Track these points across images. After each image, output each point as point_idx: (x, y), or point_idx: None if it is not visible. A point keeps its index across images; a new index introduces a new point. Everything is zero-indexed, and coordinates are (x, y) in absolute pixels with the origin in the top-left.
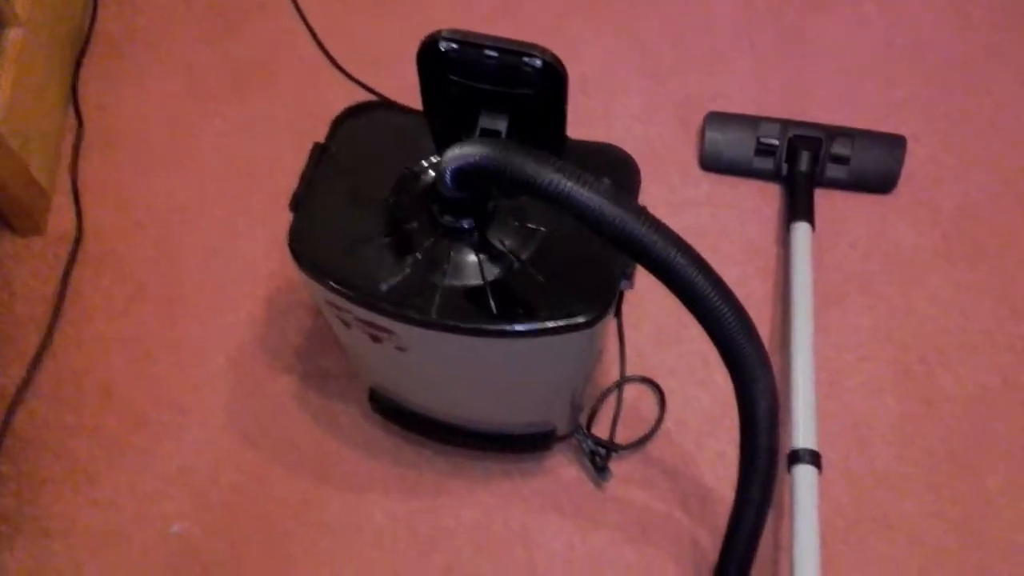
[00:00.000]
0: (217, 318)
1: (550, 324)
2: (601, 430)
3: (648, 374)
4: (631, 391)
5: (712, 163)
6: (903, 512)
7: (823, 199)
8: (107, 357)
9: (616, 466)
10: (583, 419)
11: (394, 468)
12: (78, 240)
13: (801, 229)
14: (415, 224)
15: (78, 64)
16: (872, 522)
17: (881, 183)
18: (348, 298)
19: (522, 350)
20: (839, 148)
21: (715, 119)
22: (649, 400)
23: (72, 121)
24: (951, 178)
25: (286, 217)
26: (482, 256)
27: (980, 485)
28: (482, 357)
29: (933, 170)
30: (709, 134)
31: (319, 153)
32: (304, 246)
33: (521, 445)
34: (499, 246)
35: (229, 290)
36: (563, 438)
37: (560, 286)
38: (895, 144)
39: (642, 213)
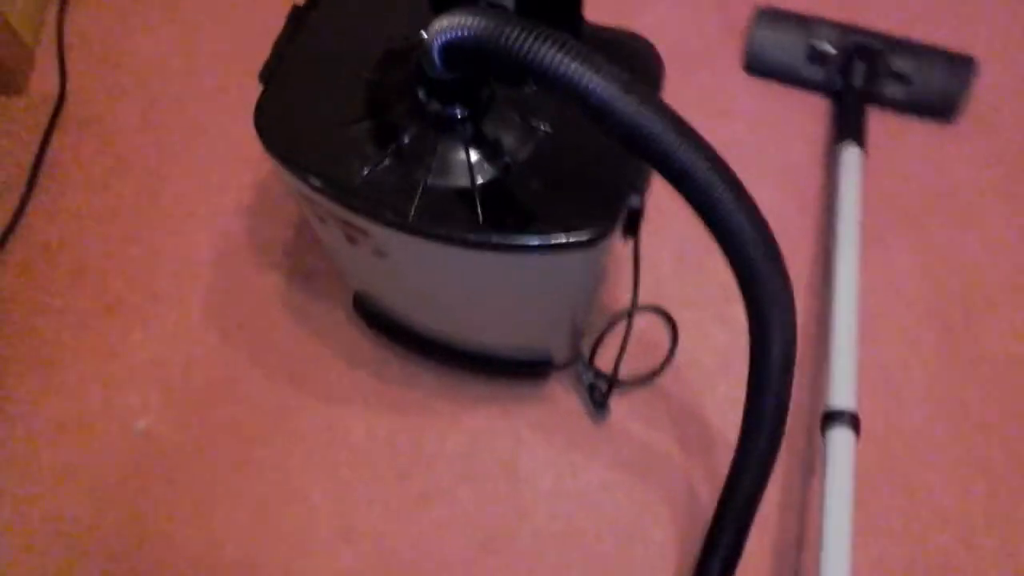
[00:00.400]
0: (202, 202)
1: (545, 240)
2: (605, 362)
3: (662, 304)
4: (641, 321)
5: (757, 66)
6: (927, 483)
7: (876, 120)
8: (82, 233)
9: (617, 402)
10: (585, 347)
11: (377, 382)
12: (60, 102)
13: (851, 152)
14: (399, 109)
15: None
16: (892, 488)
17: (943, 108)
18: (317, 190)
19: (512, 268)
20: (901, 63)
21: (765, 16)
22: (660, 332)
23: None
24: (1021, 110)
25: None
26: (473, 153)
27: (1015, 461)
28: (468, 272)
29: (1001, 99)
30: (757, 32)
31: (297, 18)
32: (272, 124)
33: (514, 371)
34: (493, 143)
35: (216, 172)
36: (561, 367)
37: (561, 196)
38: (962, 65)
39: (660, 105)
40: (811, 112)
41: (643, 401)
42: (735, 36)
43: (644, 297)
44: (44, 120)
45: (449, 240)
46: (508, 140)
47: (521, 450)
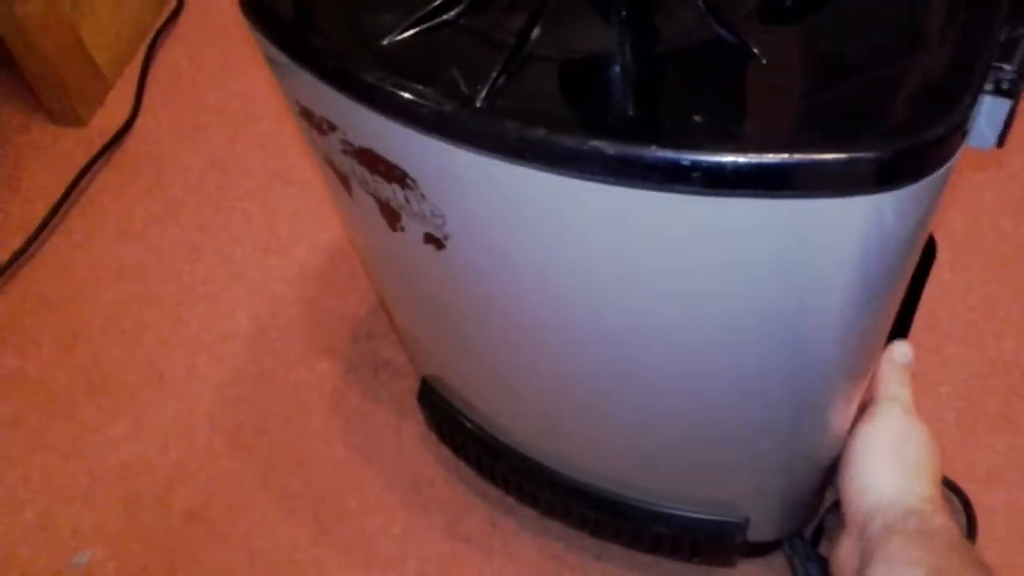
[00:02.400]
0: (255, 264)
1: (793, 157)
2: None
3: (946, 473)
4: None
5: None
6: None
7: None
8: (93, 288)
9: None
10: (806, 526)
11: (446, 541)
12: (119, 136)
13: None
14: None
15: None
16: None
17: None
18: (315, 64)
19: (724, 231)
20: None
21: None
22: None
23: (172, 3)
24: None
25: None
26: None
27: None
28: (620, 256)
29: None
30: None
31: None
32: None
33: (678, 543)
34: None
35: (285, 228)
36: (761, 549)
37: (820, 87)
38: None
39: None
40: None
41: None
42: None
43: None
44: (93, 152)
45: (553, 153)
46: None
47: None
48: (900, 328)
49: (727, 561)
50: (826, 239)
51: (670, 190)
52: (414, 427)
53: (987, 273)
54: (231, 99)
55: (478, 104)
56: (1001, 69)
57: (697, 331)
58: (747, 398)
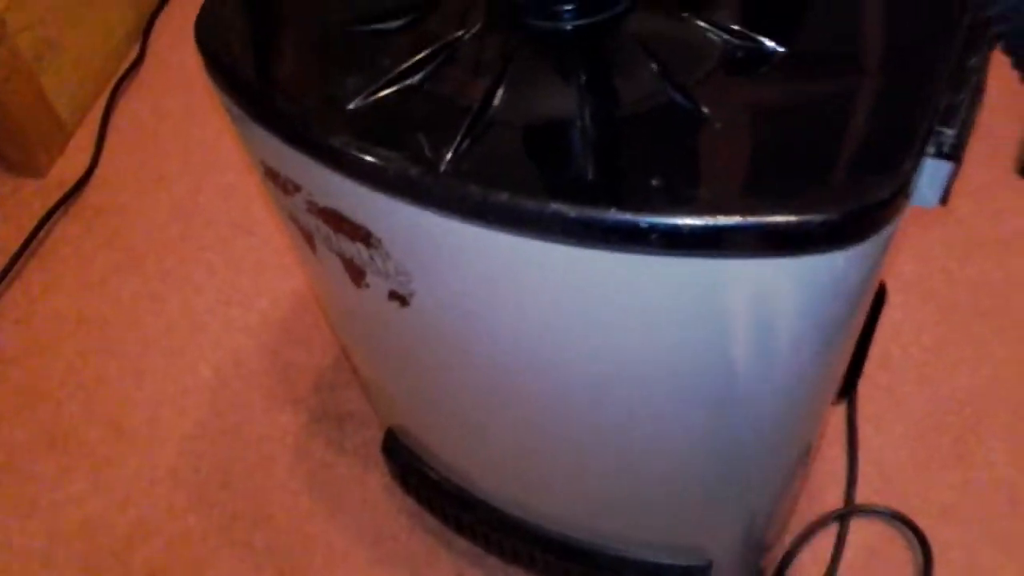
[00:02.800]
0: (218, 315)
1: (743, 220)
2: None
3: (899, 508)
4: (863, 533)
5: None
6: None
7: None
8: (53, 341)
9: None
10: (767, 567)
11: None
12: (78, 187)
13: None
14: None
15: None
16: None
17: None
18: (279, 128)
19: (665, 291)
20: None
21: None
22: (898, 554)
23: (133, 53)
24: None
25: None
26: (588, 51)
27: None
28: (564, 313)
29: None
30: None
31: None
32: (217, 33)
33: None
34: (632, 40)
35: (249, 278)
36: None
37: (771, 150)
38: None
39: None
40: None
41: None
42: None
43: (870, 497)
44: (51, 203)
45: (516, 216)
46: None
47: None
48: (853, 369)
49: None
50: (779, 296)
51: (628, 251)
52: (378, 478)
53: (938, 315)
54: (194, 149)
55: (443, 168)
56: (942, 133)
57: (657, 384)
58: (706, 447)
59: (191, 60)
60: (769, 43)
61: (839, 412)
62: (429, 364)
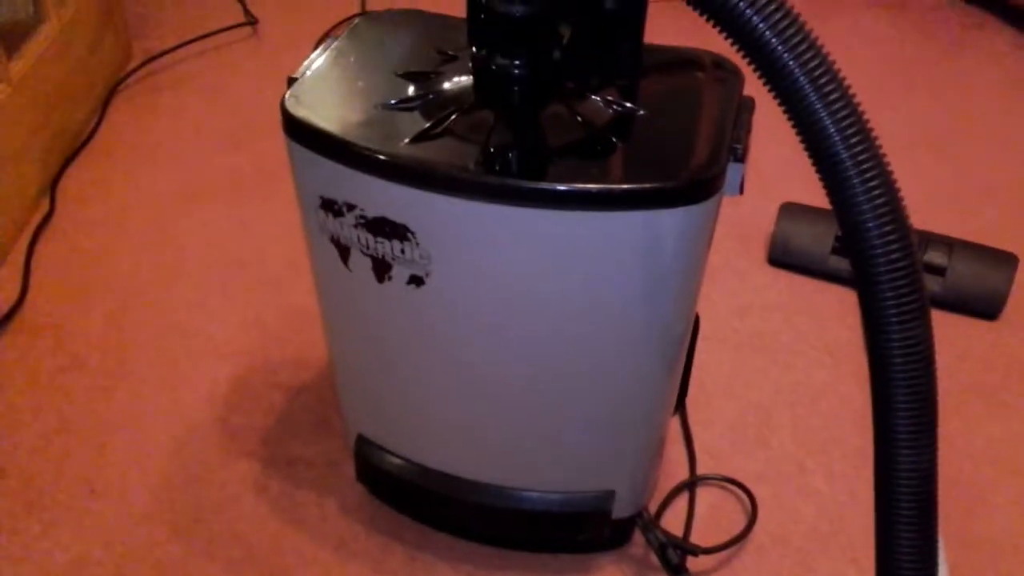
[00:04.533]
0: (166, 397)
1: (639, 185)
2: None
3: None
4: (706, 495)
5: (782, 258)
6: None
7: None
8: (10, 431)
9: None
10: (647, 510)
11: None
12: (15, 308)
13: None
14: (448, 86)
15: (68, 160)
16: None
17: (984, 306)
18: (354, 160)
19: (597, 235)
20: (935, 256)
21: (789, 210)
22: (731, 507)
23: (45, 206)
24: None
25: (273, 299)
26: (542, 115)
27: None
28: (538, 265)
29: None
30: (781, 225)
31: (328, 42)
32: (301, 109)
33: (565, 530)
34: (565, 110)
35: (187, 368)
36: (623, 528)
37: (650, 156)
38: (1004, 262)
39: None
40: (845, 303)
41: None
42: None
43: (709, 471)
44: None
45: (520, 195)
46: (584, 112)
47: None
48: (683, 388)
49: (601, 533)
50: (661, 235)
51: (560, 208)
52: (334, 501)
53: (731, 353)
54: (115, 275)
55: (471, 172)
56: (736, 148)
57: (605, 322)
58: (607, 379)
59: (98, 208)
60: (639, 108)
61: (676, 421)
62: (429, 336)
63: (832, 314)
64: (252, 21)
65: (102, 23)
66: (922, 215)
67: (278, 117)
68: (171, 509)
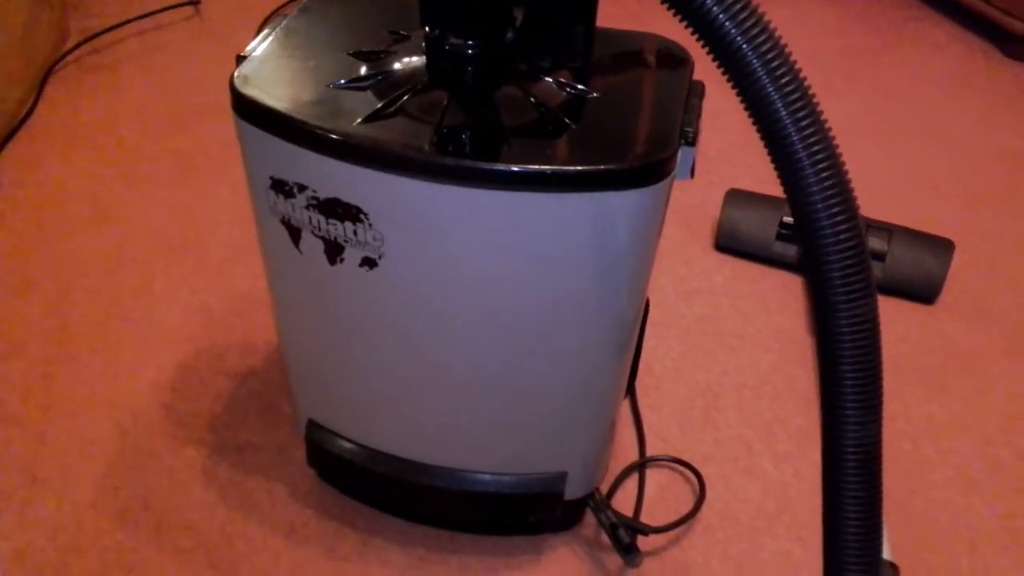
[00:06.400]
0: (108, 384)
1: (591, 167)
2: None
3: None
4: (655, 476)
5: (728, 243)
6: None
7: None
8: None
9: (646, 563)
10: (599, 491)
11: (328, 561)
12: None
13: None
14: (400, 66)
15: (4, 141)
16: None
17: (922, 290)
18: (305, 140)
19: (549, 217)
20: (875, 242)
21: (735, 197)
22: (680, 488)
23: None
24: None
25: (218, 284)
26: (494, 96)
27: None
28: (491, 247)
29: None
30: (727, 212)
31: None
32: (251, 88)
33: (517, 511)
34: (518, 92)
35: (131, 354)
36: (575, 509)
37: (602, 138)
38: (941, 248)
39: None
40: (790, 288)
41: (677, 566)
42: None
43: (658, 452)
44: None
45: (474, 176)
46: (536, 94)
47: None
48: (632, 373)
49: (553, 515)
50: (614, 215)
51: (513, 189)
52: (283, 487)
53: (680, 337)
54: (56, 258)
55: (427, 147)
56: (687, 132)
57: (562, 302)
58: (559, 362)
59: (35, 190)
60: (591, 91)
61: (626, 404)
62: (381, 320)
63: (777, 299)
64: (194, 1)
65: (37, 1)
66: (863, 202)
67: (221, 99)
68: (116, 497)
